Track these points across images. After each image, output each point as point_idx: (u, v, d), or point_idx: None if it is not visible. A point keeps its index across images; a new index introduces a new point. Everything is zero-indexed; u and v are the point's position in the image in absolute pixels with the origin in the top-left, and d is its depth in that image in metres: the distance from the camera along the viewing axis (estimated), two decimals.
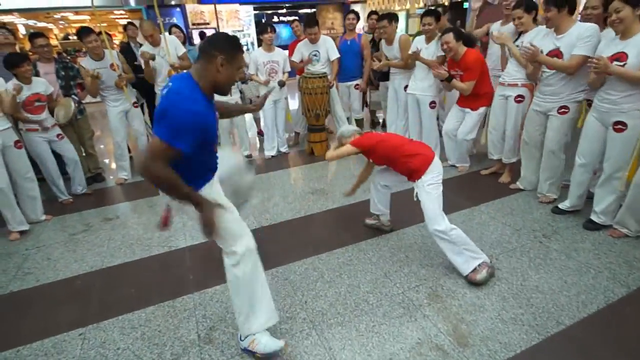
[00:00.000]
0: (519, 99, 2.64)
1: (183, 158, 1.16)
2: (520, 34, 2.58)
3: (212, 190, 1.40)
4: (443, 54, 2.94)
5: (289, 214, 2.65)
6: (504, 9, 2.87)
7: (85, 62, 3.02)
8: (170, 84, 1.22)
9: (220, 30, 6.07)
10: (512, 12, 2.53)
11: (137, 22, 3.92)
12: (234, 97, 3.62)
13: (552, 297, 1.71)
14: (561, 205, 2.40)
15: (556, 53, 2.22)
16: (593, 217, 2.22)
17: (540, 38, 2.34)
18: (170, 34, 3.71)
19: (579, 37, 2.11)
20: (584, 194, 2.33)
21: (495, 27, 2.96)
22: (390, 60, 3.39)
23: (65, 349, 1.59)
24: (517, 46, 2.52)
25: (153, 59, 3.14)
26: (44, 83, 2.77)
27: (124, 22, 9.17)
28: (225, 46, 1.21)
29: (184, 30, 4.01)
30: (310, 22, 3.49)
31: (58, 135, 2.88)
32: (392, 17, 3.27)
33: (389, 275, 1.93)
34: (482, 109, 2.89)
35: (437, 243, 1.82)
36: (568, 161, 2.45)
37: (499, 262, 1.97)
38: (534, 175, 2.69)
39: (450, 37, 2.68)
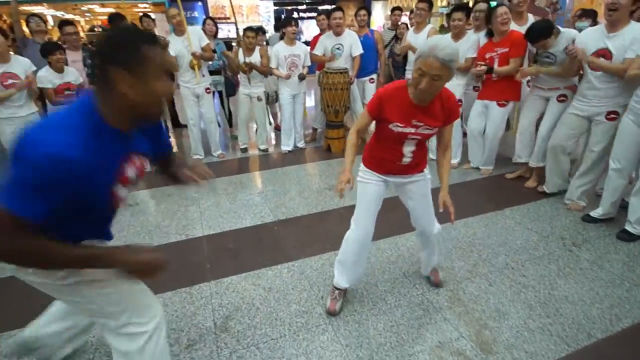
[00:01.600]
0: (562, 98, 2.49)
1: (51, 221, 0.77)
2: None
3: None
4: (472, 55, 2.84)
5: (305, 209, 2.62)
6: (517, 8, 2.76)
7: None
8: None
9: (240, 25, 5.96)
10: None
11: (154, 15, 3.96)
12: (256, 91, 3.63)
13: (583, 309, 1.62)
14: (592, 213, 2.28)
15: (604, 53, 2.06)
16: (627, 227, 2.09)
17: (588, 34, 2.17)
18: (204, 24, 3.75)
19: (635, 40, 1.93)
20: (617, 202, 2.20)
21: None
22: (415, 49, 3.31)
23: None
24: (547, 57, 2.41)
25: (166, 46, 3.13)
26: (75, 73, 2.84)
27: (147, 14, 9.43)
28: (120, 55, 0.78)
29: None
30: (335, 7, 3.41)
31: None
32: (431, 4, 3.22)
33: (408, 276, 1.88)
34: (510, 105, 2.77)
35: (432, 242, 1.67)
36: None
37: (525, 269, 1.89)
38: (560, 179, 2.57)
39: (507, 10, 2.58)
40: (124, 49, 0.78)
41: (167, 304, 1.73)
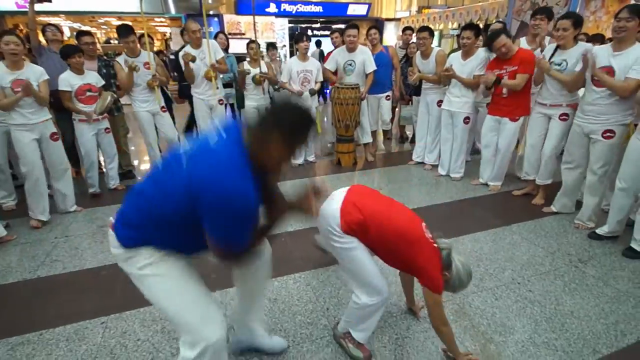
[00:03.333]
0: (564, 116, 2.53)
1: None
2: (556, 49, 2.52)
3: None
4: (481, 73, 2.91)
5: (313, 222, 2.63)
6: (532, 29, 2.84)
7: (121, 59, 3.19)
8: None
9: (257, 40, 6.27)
10: (559, 22, 2.40)
11: (170, 30, 4.09)
12: (264, 103, 3.72)
13: (589, 324, 1.61)
14: (599, 231, 2.28)
15: (608, 70, 2.10)
16: (633, 245, 2.09)
17: (596, 51, 2.21)
18: (215, 38, 3.88)
19: (638, 60, 1.98)
20: (623, 220, 2.21)
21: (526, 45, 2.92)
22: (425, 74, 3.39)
23: (87, 336, 1.60)
24: (553, 63, 2.47)
25: (193, 60, 3.26)
26: (96, 76, 2.94)
27: (164, 29, 9.68)
28: (293, 130, 0.97)
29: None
30: (351, 25, 3.48)
31: (106, 129, 3.04)
32: (431, 32, 3.31)
33: (414, 290, 1.87)
34: (521, 119, 2.80)
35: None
36: (609, 185, 2.34)
37: (531, 284, 1.88)
38: (570, 198, 2.58)
39: (504, 38, 2.63)
40: (298, 129, 0.98)
41: None
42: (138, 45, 3.19)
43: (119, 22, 8.82)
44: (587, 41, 3.22)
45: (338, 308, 1.73)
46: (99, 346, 1.55)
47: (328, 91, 4.66)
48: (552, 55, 2.51)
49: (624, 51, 2.05)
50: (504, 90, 2.77)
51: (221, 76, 3.71)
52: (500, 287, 1.86)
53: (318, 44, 8.03)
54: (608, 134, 2.18)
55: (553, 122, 2.60)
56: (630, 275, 1.95)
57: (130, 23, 3.74)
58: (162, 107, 3.44)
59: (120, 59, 3.18)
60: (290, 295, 1.83)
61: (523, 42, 2.94)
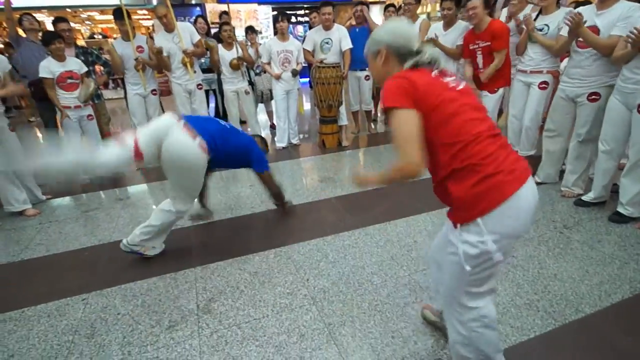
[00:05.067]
0: (543, 85, 2.50)
1: None
2: (538, 14, 2.45)
3: None
4: (462, 42, 2.86)
5: (296, 199, 2.61)
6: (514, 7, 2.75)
7: (117, 43, 3.20)
8: None
9: (238, 31, 6.23)
10: None
11: (152, 21, 4.05)
12: (243, 85, 3.66)
13: (572, 286, 1.59)
14: (585, 197, 2.26)
15: (592, 30, 2.03)
16: (620, 209, 2.07)
17: (580, 11, 2.12)
18: (195, 23, 3.81)
19: (621, 17, 1.92)
20: (609, 184, 2.17)
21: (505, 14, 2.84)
22: None
23: (68, 312, 1.60)
24: (540, 30, 2.40)
25: (161, 52, 3.20)
26: (78, 63, 2.89)
27: (147, 22, 9.57)
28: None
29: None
30: (325, 3, 3.42)
31: (88, 116, 2.99)
32: None
33: (396, 259, 1.86)
34: (500, 91, 2.76)
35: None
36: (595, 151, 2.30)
37: (515, 250, 1.86)
38: (553, 168, 2.55)
39: (477, 2, 2.52)
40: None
41: (151, 288, 1.72)
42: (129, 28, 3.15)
43: (102, 17, 8.69)
44: (576, 6, 3.14)
45: (318, 279, 1.72)
46: (79, 321, 1.55)
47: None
48: (535, 20, 2.45)
49: (608, 9, 1.99)
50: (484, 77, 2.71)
51: (202, 60, 3.65)
52: None
53: (310, 26, 7.86)
54: (593, 96, 2.14)
55: (532, 90, 2.56)
56: (617, 238, 1.92)
57: (112, 21, 3.65)
58: (153, 90, 3.41)
59: (116, 43, 3.17)
60: (270, 268, 1.82)
61: (504, 14, 2.87)
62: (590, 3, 3.30)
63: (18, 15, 3.17)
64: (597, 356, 1.26)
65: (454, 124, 0.91)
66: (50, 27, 8.33)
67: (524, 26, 2.48)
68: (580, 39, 2.09)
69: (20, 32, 3.26)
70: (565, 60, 2.52)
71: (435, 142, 0.93)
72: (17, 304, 1.67)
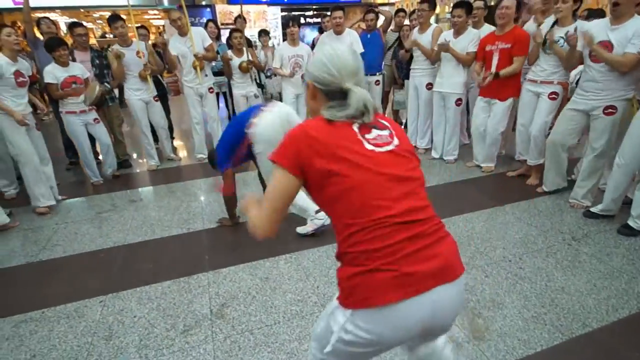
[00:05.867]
0: (553, 95, 2.50)
1: None
2: (553, 25, 2.44)
3: None
4: (474, 50, 2.86)
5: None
6: (538, 5, 2.73)
7: (114, 48, 3.23)
8: None
9: (247, 31, 6.31)
10: None
11: (163, 22, 4.11)
12: (252, 89, 3.70)
13: (579, 299, 1.60)
14: (593, 209, 2.26)
15: (606, 45, 2.03)
16: (630, 222, 2.07)
17: (593, 25, 2.14)
18: (206, 28, 3.85)
19: (636, 33, 1.91)
20: (619, 198, 2.17)
21: (530, 26, 2.83)
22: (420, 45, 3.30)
23: (86, 314, 1.66)
24: (556, 41, 2.40)
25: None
26: (81, 68, 2.95)
27: (158, 22, 9.67)
28: None
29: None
30: (336, 7, 3.44)
31: (95, 120, 3.06)
32: (432, 4, 3.22)
33: None
34: (510, 100, 2.76)
35: None
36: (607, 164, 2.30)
37: (523, 262, 1.88)
38: (559, 177, 2.55)
39: (511, 2, 2.52)
40: None
41: (166, 292, 1.78)
42: (129, 34, 3.20)
43: None
44: (587, 16, 3.12)
45: (328, 286, 1.76)
46: (97, 322, 1.60)
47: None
48: (548, 30, 2.44)
49: (623, 24, 1.98)
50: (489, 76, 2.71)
51: (213, 64, 3.70)
52: (491, 265, 1.86)
53: (320, 31, 7.90)
54: (609, 110, 2.13)
55: (542, 100, 2.56)
56: (625, 252, 1.93)
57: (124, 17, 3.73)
58: (155, 96, 3.47)
59: (115, 49, 3.20)
60: (281, 275, 1.86)
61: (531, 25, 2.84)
62: (602, 12, 3.30)
63: (36, 16, 3.25)
64: None
65: (351, 202, 0.74)
66: (63, 27, 8.48)
67: (534, 39, 2.48)
68: (594, 53, 2.09)
69: (38, 34, 3.35)
70: (575, 70, 2.52)
71: (332, 216, 0.79)
72: (37, 305, 1.73)
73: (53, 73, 2.78)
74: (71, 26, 3.18)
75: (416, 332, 0.75)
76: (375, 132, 0.80)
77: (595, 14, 3.24)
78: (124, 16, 3.31)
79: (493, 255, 1.94)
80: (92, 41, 8.57)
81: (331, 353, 0.81)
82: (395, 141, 0.81)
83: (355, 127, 0.79)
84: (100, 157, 3.32)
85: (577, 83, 2.41)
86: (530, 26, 2.73)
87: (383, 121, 0.85)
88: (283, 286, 1.77)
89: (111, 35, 9.38)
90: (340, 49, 0.84)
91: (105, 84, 3.26)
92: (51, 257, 2.14)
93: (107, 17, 10.00)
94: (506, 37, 2.62)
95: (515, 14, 2.63)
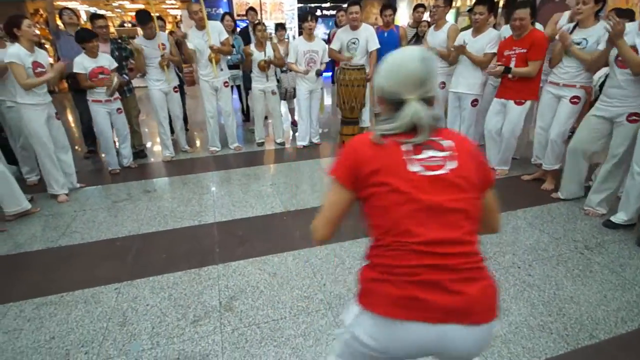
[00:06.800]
0: (575, 99, 2.43)
1: None
2: (575, 27, 2.36)
3: None
4: (492, 51, 2.80)
5: (315, 202, 2.67)
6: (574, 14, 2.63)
7: (139, 40, 3.31)
8: None
9: (264, 22, 6.32)
10: None
11: (180, 12, 4.15)
12: (270, 85, 3.71)
13: (588, 310, 1.59)
14: (614, 219, 2.19)
15: (634, 50, 1.96)
16: None
17: (602, 28, 2.09)
18: (222, 21, 3.87)
19: None
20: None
21: (564, 23, 2.73)
22: (434, 48, 3.27)
23: (102, 300, 1.74)
24: (573, 41, 2.32)
25: (185, 37, 3.33)
26: (109, 59, 3.03)
27: (175, 12, 9.73)
28: None
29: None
30: (353, 2, 3.38)
31: (118, 110, 3.16)
32: (448, 0, 3.16)
33: None
34: (528, 104, 2.69)
35: None
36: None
37: (532, 269, 1.86)
38: (577, 185, 2.49)
39: (527, 12, 2.47)
40: None
41: (177, 282, 1.84)
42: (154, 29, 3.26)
43: (133, 5, 8.89)
44: (617, 15, 2.98)
45: (334, 284, 1.79)
46: (112, 309, 1.68)
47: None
48: (571, 32, 2.36)
49: None
50: (510, 75, 2.65)
51: (228, 57, 3.72)
52: (499, 270, 1.85)
53: (336, 24, 7.81)
54: (634, 117, 2.07)
55: (562, 104, 2.49)
56: (639, 263, 1.89)
57: (143, 6, 3.78)
58: (175, 87, 3.52)
59: (137, 40, 3.29)
60: (289, 271, 1.90)
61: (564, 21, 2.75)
62: (631, 12, 3.15)
63: (58, 4, 3.33)
64: None
65: (383, 221, 0.76)
66: (84, 15, 8.64)
67: (561, 41, 2.40)
68: (620, 58, 2.01)
69: (60, 24, 3.43)
70: (599, 73, 2.43)
71: (367, 225, 0.82)
72: (57, 289, 1.82)
73: (82, 63, 2.86)
74: (92, 18, 3.24)
75: (420, 354, 0.75)
76: (427, 153, 0.76)
77: (624, 14, 3.09)
78: (142, 5, 3.35)
79: (502, 261, 1.93)
80: (111, 29, 8.72)
81: (344, 348, 0.85)
82: (451, 165, 0.75)
83: (404, 147, 0.76)
84: (118, 147, 3.41)
85: (600, 87, 2.34)
86: (563, 20, 2.62)
87: (446, 141, 0.78)
88: (290, 282, 1.81)
89: (130, 24, 9.52)
90: (408, 54, 0.79)
91: (124, 75, 3.33)
92: (70, 244, 2.23)
93: (125, 6, 10.00)
94: (524, 41, 2.56)
95: (532, 18, 2.54)
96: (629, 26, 2.05)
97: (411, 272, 0.72)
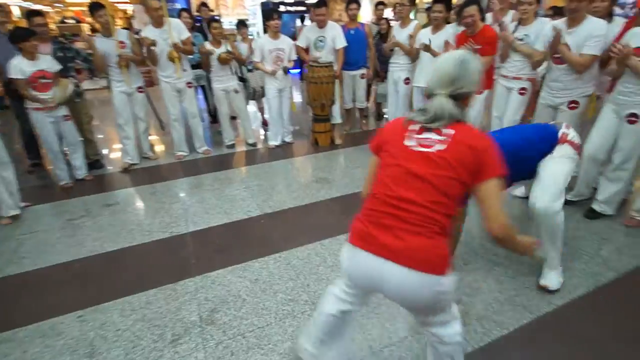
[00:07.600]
0: (522, 91, 2.65)
1: None
2: (518, 24, 2.58)
3: None
4: (452, 43, 2.94)
5: (292, 202, 2.65)
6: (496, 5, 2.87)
7: (97, 40, 3.02)
8: None
9: (225, 19, 5.85)
10: None
11: (132, 7, 3.85)
12: (231, 84, 3.59)
13: None
14: (568, 197, 2.41)
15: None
16: (594, 206, 2.26)
17: (548, 29, 2.27)
18: (179, 17, 3.64)
19: (590, 35, 2.05)
20: (590, 184, 2.36)
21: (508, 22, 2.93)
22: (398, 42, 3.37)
23: (64, 331, 1.58)
24: (516, 38, 2.53)
25: (154, 44, 3.08)
26: (49, 61, 2.72)
27: (125, 7, 8.95)
28: None
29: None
30: (319, 2, 3.40)
31: (65, 117, 2.85)
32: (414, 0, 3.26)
33: None
34: (485, 92, 2.87)
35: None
36: None
37: (496, 249, 2.01)
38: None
39: (475, 9, 2.62)
40: None
41: (151, 301, 1.73)
42: (109, 20, 2.99)
43: (74, 0, 8.07)
44: (553, 14, 3.30)
45: (318, 284, 1.80)
46: (77, 339, 1.54)
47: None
48: (514, 31, 2.59)
49: (576, 28, 2.13)
50: None
51: (190, 57, 3.53)
52: (469, 253, 1.98)
53: (302, 19, 7.80)
54: (573, 104, 2.31)
55: (512, 95, 2.71)
56: (586, 234, 2.12)
57: (85, 4, 3.43)
58: (139, 87, 3.28)
59: (97, 41, 3.00)
60: (271, 275, 1.87)
61: (488, 18, 2.97)
62: (562, 9, 3.47)
63: None
64: (571, 345, 1.42)
65: (376, 177, 1.05)
66: (17, 11, 7.62)
67: (503, 40, 2.60)
68: (556, 55, 2.24)
69: None
70: (543, 65, 2.67)
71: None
72: (8, 325, 1.62)
73: (19, 67, 2.53)
74: (29, 15, 2.88)
75: (369, 283, 0.99)
76: (426, 135, 0.97)
77: (561, 12, 3.40)
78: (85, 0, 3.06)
79: (472, 246, 2.06)
80: (51, 26, 7.85)
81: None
82: (439, 147, 0.94)
83: (411, 127, 1.00)
84: (69, 159, 3.10)
85: (543, 78, 2.57)
86: (507, 19, 2.84)
87: (448, 129, 0.95)
88: (273, 287, 1.79)
89: (73, 21, 8.60)
90: (447, 57, 1.00)
91: (71, 78, 3.02)
92: (18, 272, 2.00)
93: (66, 0, 9.07)
94: (477, 38, 2.72)
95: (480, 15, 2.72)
96: (558, 23, 2.27)
97: (376, 215, 0.97)
